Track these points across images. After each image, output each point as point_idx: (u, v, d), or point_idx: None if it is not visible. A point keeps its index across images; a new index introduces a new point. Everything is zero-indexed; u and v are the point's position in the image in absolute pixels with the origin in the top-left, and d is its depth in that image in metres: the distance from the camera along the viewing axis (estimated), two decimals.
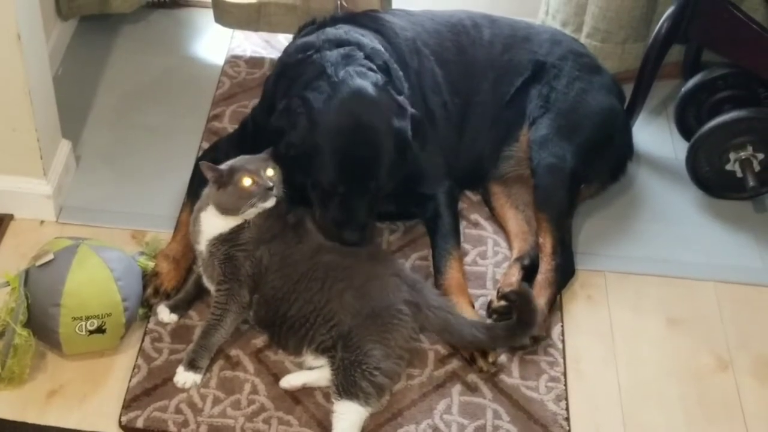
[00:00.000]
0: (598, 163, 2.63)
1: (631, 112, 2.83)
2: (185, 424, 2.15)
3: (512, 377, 2.29)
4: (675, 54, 2.92)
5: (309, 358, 2.23)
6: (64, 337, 2.18)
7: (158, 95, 3.00)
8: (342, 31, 2.49)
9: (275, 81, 2.49)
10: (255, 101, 2.75)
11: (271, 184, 2.19)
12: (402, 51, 2.57)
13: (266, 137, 2.34)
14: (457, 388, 2.26)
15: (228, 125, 2.87)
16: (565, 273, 2.46)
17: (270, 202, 2.21)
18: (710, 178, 2.76)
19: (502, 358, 2.31)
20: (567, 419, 2.22)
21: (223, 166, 2.22)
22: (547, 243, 2.45)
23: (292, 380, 2.23)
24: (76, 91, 2.97)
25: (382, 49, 2.48)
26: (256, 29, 3.13)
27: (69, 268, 2.17)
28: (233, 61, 3.13)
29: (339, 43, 2.43)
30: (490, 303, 2.39)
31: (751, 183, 2.67)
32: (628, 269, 2.57)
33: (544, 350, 2.35)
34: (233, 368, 2.26)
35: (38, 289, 2.18)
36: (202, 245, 2.26)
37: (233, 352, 2.29)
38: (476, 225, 2.64)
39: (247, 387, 2.23)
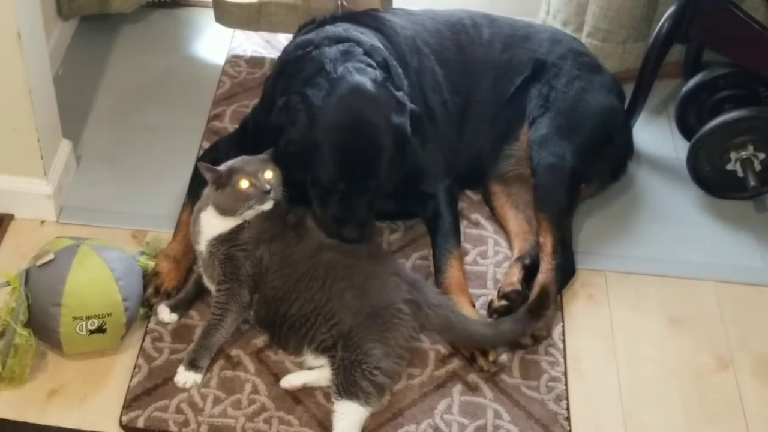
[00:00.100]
0: (598, 163, 2.63)
1: (632, 112, 2.82)
2: (186, 423, 2.15)
3: (513, 377, 2.29)
4: (676, 53, 2.92)
5: (309, 358, 2.23)
6: (64, 337, 2.18)
7: (159, 95, 3.00)
8: (341, 28, 2.49)
9: (275, 80, 2.49)
10: (255, 101, 2.74)
11: (268, 187, 2.18)
12: (402, 50, 2.57)
13: (267, 137, 2.34)
14: (457, 388, 2.25)
15: (228, 125, 2.86)
16: (565, 272, 2.46)
17: (267, 205, 2.20)
18: (711, 177, 2.76)
19: (503, 357, 2.31)
20: (567, 419, 2.22)
21: (222, 168, 2.21)
22: (547, 242, 2.44)
23: (292, 380, 2.22)
24: (77, 91, 2.97)
25: (381, 46, 2.48)
26: (256, 29, 3.13)
27: (69, 267, 2.17)
28: (234, 60, 3.13)
29: (338, 40, 2.42)
30: (490, 303, 2.39)
31: (752, 183, 2.67)
32: (629, 269, 2.57)
33: (544, 350, 2.34)
34: (234, 368, 2.26)
35: (39, 288, 2.18)
36: (202, 245, 2.26)
37: (234, 351, 2.29)
38: (477, 224, 2.64)
39: (248, 387, 2.23)
